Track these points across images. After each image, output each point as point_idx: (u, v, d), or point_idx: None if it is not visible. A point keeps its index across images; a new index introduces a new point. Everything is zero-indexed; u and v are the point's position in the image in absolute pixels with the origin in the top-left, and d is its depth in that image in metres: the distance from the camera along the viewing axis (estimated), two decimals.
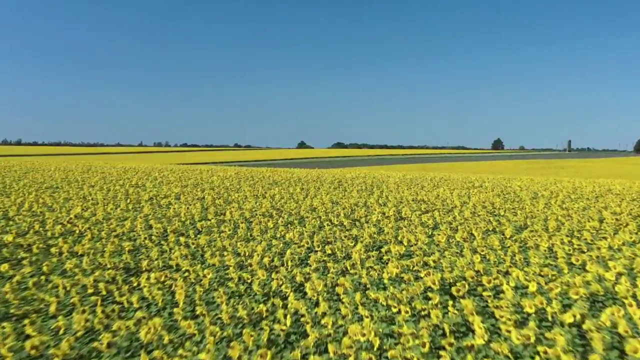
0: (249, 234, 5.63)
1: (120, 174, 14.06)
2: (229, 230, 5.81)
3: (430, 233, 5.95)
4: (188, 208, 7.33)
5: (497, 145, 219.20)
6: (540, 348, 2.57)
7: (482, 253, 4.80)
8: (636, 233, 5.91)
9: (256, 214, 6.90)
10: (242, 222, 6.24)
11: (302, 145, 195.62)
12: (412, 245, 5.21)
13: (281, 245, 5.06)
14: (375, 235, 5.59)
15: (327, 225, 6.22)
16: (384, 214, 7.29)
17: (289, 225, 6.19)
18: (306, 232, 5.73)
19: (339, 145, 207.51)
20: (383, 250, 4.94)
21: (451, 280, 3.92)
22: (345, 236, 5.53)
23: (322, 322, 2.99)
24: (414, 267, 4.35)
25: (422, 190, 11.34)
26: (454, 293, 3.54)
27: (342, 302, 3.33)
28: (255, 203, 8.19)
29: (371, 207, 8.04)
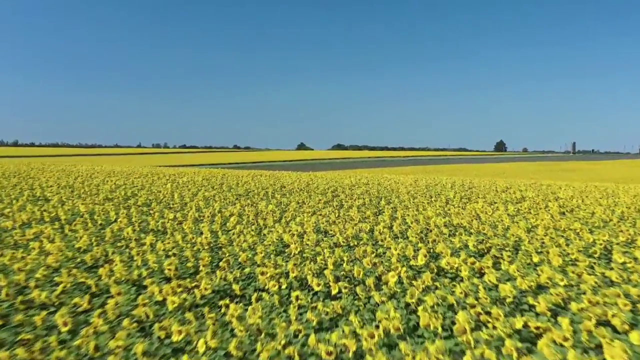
0: (92, 344, 2.36)
1: (49, 177, 10.79)
2: (69, 322, 2.54)
3: (521, 325, 2.67)
4: (57, 247, 4.06)
5: (500, 147, 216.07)
6: None
7: None
8: None
9: (164, 267, 3.61)
10: (120, 293, 2.98)
11: (301, 146, 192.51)
12: None
13: None
14: (402, 342, 2.31)
15: (300, 299, 2.96)
16: (406, 259, 4.03)
17: (214, 304, 2.92)
18: (241, 334, 2.46)
19: (339, 146, 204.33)
20: None
21: None
22: (329, 353, 2.25)
23: None
24: None
25: (449, 205, 8.06)
26: None
27: None
28: (189, 234, 4.91)
29: (383, 242, 4.76)
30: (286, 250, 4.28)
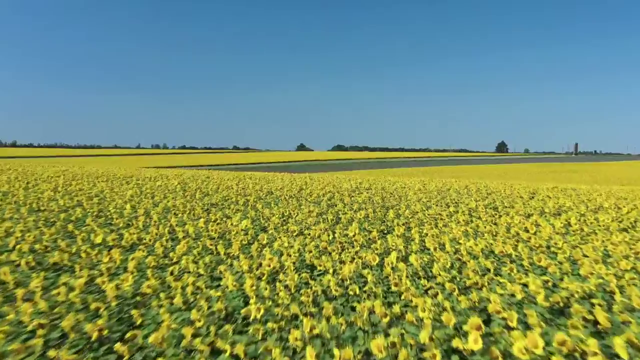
0: None
1: None
2: None
3: None
4: None
5: (502, 148, 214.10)
6: None
7: None
8: None
9: None
10: None
11: (301, 147, 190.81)
12: None
13: None
14: None
15: None
16: (445, 331, 2.34)
17: None
18: None
19: (340, 147, 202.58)
20: None
21: None
22: None
23: None
24: None
25: (475, 219, 6.36)
26: None
27: None
28: (105, 274, 3.22)
29: (398, 287, 3.06)
30: (242, 312, 2.59)
